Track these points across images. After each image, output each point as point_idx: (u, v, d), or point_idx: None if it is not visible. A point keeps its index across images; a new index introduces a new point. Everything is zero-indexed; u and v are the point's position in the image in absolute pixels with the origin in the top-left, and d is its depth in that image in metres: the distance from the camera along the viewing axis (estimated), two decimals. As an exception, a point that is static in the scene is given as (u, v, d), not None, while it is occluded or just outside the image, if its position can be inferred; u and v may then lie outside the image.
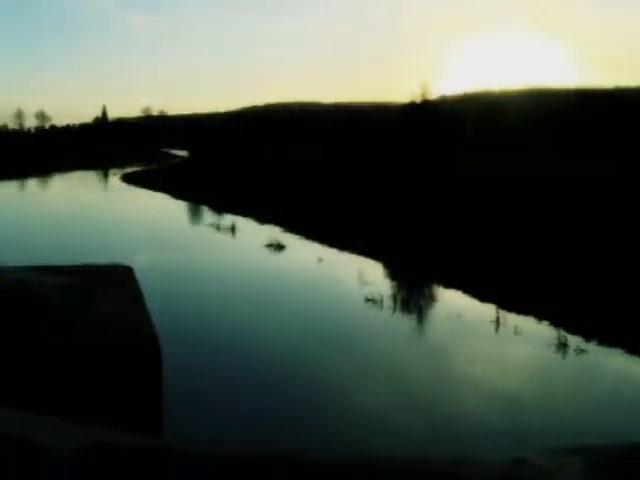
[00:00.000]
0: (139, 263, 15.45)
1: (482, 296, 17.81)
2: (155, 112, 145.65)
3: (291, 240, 27.10)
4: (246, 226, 31.68)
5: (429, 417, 10.45)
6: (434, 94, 44.17)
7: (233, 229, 30.49)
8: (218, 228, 31.42)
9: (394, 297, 18.45)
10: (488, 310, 16.31)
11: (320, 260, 22.65)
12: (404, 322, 16.64)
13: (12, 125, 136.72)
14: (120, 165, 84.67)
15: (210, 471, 3.67)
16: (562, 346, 13.57)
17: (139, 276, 11.02)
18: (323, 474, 3.39)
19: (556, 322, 15.12)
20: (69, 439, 4.15)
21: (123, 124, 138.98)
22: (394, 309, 17.35)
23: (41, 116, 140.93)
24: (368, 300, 17.31)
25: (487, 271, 20.24)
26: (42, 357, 6.22)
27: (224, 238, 29.03)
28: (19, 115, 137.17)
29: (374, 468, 3.43)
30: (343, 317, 16.53)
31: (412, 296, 20.13)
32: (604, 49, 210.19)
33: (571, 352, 13.35)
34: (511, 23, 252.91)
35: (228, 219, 33.59)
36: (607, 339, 14.13)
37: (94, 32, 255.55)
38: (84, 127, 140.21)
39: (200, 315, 16.67)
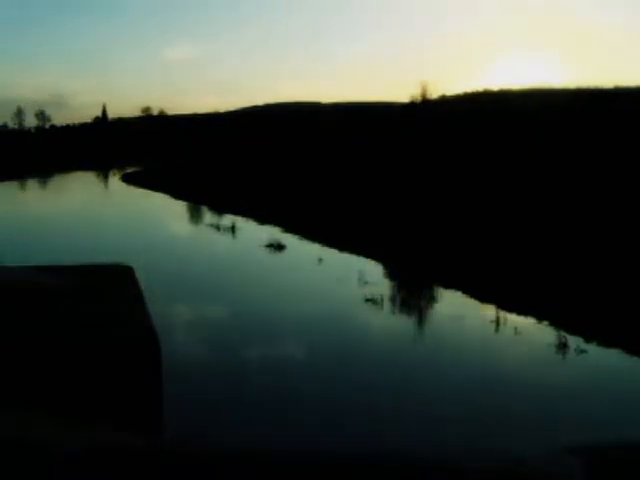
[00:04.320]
0: (139, 263, 15.44)
1: (482, 296, 17.80)
2: (155, 112, 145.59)
3: (291, 240, 27.09)
4: (246, 226, 31.67)
5: (429, 416, 10.45)
6: (434, 94, 44.30)
7: (233, 229, 30.48)
8: (218, 228, 31.42)
9: (394, 297, 18.46)
10: (488, 310, 16.31)
11: (320, 260, 22.64)
12: (404, 322, 16.64)
13: (12, 125, 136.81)
14: (120, 165, 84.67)
15: (210, 470, 3.67)
16: (562, 346, 13.56)
17: (139, 276, 11.03)
18: (322, 471, 3.39)
19: (556, 322, 15.12)
20: (69, 439, 4.15)
21: (123, 124, 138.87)
22: (394, 309, 17.36)
23: (41, 116, 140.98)
24: (368, 300, 17.30)
25: (487, 271, 20.23)
26: (42, 356, 6.22)
27: (224, 238, 29.02)
28: (19, 115, 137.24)
29: (375, 464, 3.43)
30: (343, 317, 16.54)
31: (412, 296, 20.13)
32: (604, 49, 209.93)
33: (571, 352, 13.35)
34: (511, 23, 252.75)
35: (228, 219, 33.59)
36: (607, 339, 14.13)
37: (94, 31, 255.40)
38: (84, 127, 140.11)
39: (200, 315, 16.68)
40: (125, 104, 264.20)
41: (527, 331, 14.78)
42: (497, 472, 3.45)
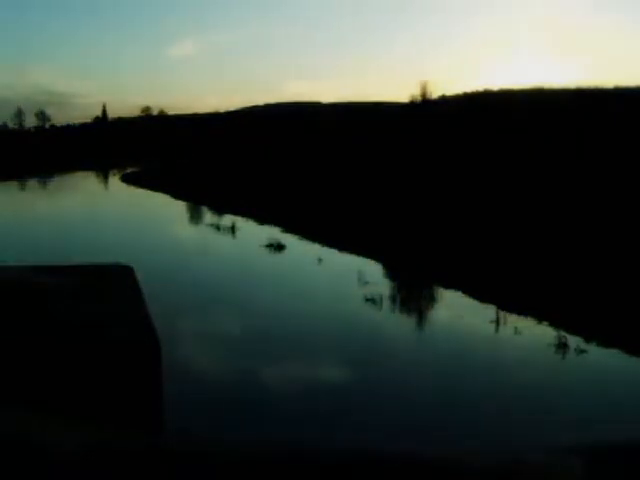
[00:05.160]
0: (139, 263, 15.43)
1: (482, 296, 17.80)
2: (155, 112, 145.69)
3: (291, 240, 27.09)
4: (246, 226, 31.67)
5: (429, 415, 10.46)
6: (434, 94, 44.27)
7: (233, 229, 30.48)
8: (218, 228, 31.41)
9: (394, 297, 18.46)
10: (488, 310, 16.30)
11: (320, 260, 22.64)
12: (404, 322, 16.64)
13: (12, 125, 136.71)
14: (120, 165, 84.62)
15: (210, 470, 3.67)
16: (562, 346, 13.57)
17: (139, 276, 11.03)
18: (323, 469, 3.38)
19: (556, 322, 15.12)
20: (69, 439, 4.14)
21: (123, 124, 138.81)
22: (394, 309, 17.36)
23: (41, 116, 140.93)
24: (368, 300, 17.30)
25: (487, 271, 20.23)
26: (42, 356, 6.22)
27: (224, 238, 29.02)
28: (19, 115, 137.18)
29: (375, 463, 3.42)
30: (343, 317, 16.52)
31: (412, 296, 20.14)
32: (604, 49, 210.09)
33: (571, 352, 13.35)
34: (511, 23, 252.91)
35: (228, 219, 33.58)
36: (607, 339, 14.13)
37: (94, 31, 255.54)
38: (84, 127, 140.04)
39: (200, 314, 16.66)
40: (125, 104, 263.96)
41: (527, 331, 14.78)
42: (497, 472, 3.45)
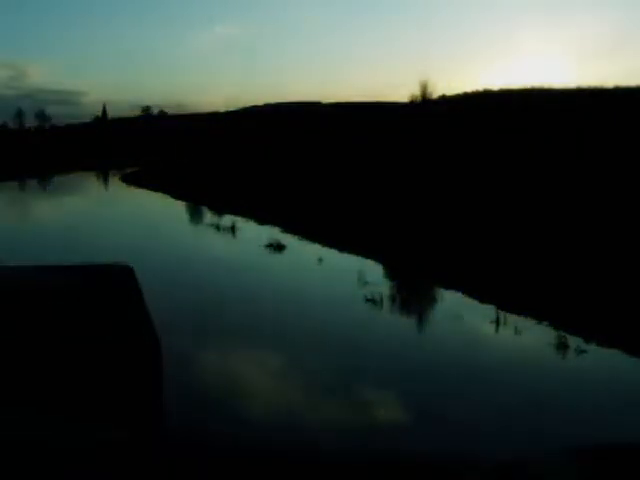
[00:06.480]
0: (139, 263, 15.41)
1: (482, 296, 17.80)
2: (155, 112, 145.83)
3: (291, 240, 27.09)
4: (246, 226, 31.66)
5: (429, 416, 10.46)
6: (434, 94, 44.36)
7: (233, 229, 30.47)
8: (218, 228, 31.40)
9: (394, 297, 18.46)
10: (488, 310, 16.31)
11: (320, 260, 22.64)
12: (404, 322, 16.64)
13: (12, 125, 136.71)
14: (120, 165, 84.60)
15: (210, 467, 3.67)
16: (562, 346, 13.57)
17: (139, 276, 11.03)
18: (321, 468, 3.38)
19: (556, 322, 15.12)
20: (69, 439, 4.15)
21: (123, 124, 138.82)
22: (394, 309, 17.36)
23: (41, 116, 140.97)
24: (368, 300, 17.31)
25: (487, 272, 20.23)
26: (43, 356, 6.23)
27: (224, 238, 29.01)
28: (19, 115, 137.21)
29: (376, 463, 3.43)
30: (343, 317, 16.52)
31: (412, 296, 20.14)
32: (604, 48, 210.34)
33: (571, 352, 13.36)
34: (511, 23, 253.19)
35: (228, 219, 33.58)
36: (607, 339, 14.13)
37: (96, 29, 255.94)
38: (84, 127, 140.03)
39: (200, 314, 16.65)
40: (125, 104, 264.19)
41: (527, 331, 14.78)
42: (497, 472, 3.45)
